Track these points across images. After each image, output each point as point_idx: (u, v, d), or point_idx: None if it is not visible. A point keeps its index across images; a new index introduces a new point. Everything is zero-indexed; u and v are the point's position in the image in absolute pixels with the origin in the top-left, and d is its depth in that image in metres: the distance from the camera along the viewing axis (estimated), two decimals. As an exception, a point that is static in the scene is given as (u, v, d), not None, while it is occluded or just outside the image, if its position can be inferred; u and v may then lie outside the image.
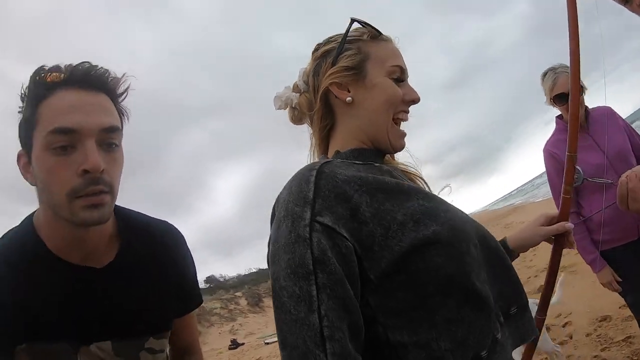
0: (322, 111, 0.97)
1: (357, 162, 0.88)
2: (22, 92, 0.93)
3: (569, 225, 1.12)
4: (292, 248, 0.71)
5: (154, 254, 1.08)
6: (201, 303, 1.26)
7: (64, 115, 0.86)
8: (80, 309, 0.94)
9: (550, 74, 2.27)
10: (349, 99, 0.92)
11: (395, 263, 0.73)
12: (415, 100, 0.95)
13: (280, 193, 0.80)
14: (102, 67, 0.93)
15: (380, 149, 0.94)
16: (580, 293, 4.37)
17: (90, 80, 0.91)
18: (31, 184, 0.94)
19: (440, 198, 0.89)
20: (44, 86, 0.89)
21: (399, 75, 0.94)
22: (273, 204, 0.81)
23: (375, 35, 0.96)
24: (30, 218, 0.99)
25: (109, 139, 0.92)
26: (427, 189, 1.00)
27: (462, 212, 0.88)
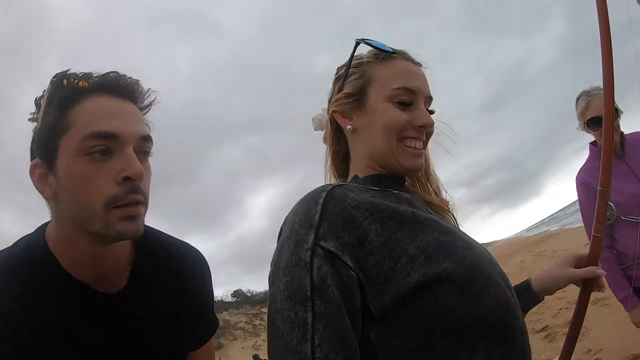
0: (333, 136, 0.97)
1: (373, 188, 0.86)
2: (40, 98, 0.87)
3: (599, 271, 1.04)
4: (292, 271, 0.69)
5: (171, 278, 1.00)
6: (217, 328, 1.17)
7: (103, 120, 0.82)
8: (93, 330, 0.87)
9: (584, 98, 2.16)
10: (349, 127, 0.91)
11: (401, 298, 0.69)
12: (426, 126, 0.89)
13: (289, 212, 0.78)
14: (131, 77, 0.90)
15: (397, 173, 0.91)
16: (613, 329, 4.18)
17: (122, 88, 0.88)
18: (46, 198, 0.87)
19: (463, 233, 0.85)
20: (74, 91, 0.84)
21: (405, 98, 0.88)
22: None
23: (382, 55, 0.92)
24: (41, 232, 0.92)
25: (144, 147, 0.88)
26: (452, 221, 0.96)
27: (484, 250, 0.82)
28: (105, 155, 0.81)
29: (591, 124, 2.12)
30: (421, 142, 0.90)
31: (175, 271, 1.01)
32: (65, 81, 0.85)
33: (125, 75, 0.89)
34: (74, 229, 0.85)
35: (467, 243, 0.78)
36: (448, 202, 0.99)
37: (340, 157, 0.99)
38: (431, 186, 1.01)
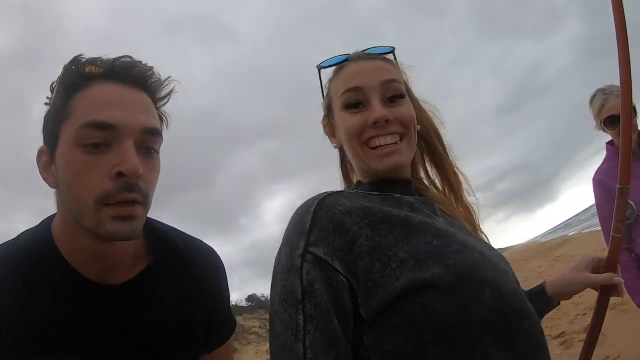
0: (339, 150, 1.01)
1: (373, 193, 0.86)
2: (54, 82, 0.83)
3: (617, 279, 1.01)
4: (287, 275, 0.72)
5: (183, 277, 0.95)
6: (234, 329, 1.12)
7: (102, 109, 0.76)
8: (93, 327, 0.82)
9: (599, 96, 2.11)
10: (334, 145, 0.98)
11: (389, 302, 0.69)
12: (377, 119, 0.84)
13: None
14: (146, 64, 0.83)
15: (387, 177, 0.89)
16: (631, 335, 4.11)
17: (132, 75, 0.82)
18: (51, 187, 0.82)
19: (465, 234, 0.83)
20: (81, 76, 0.79)
21: (354, 100, 0.87)
22: None
23: (338, 67, 0.94)
24: (47, 224, 0.87)
25: (149, 142, 0.81)
26: (467, 227, 0.94)
27: (489, 253, 0.79)
28: (99, 148, 0.75)
29: (608, 122, 2.08)
30: (391, 136, 0.86)
31: (184, 268, 0.96)
32: (73, 66, 0.81)
33: (140, 62, 0.83)
34: (73, 222, 0.80)
35: (463, 246, 0.76)
36: (467, 206, 0.99)
37: (347, 164, 1.03)
38: (451, 189, 1.00)
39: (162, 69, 0.86)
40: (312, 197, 0.80)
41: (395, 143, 0.86)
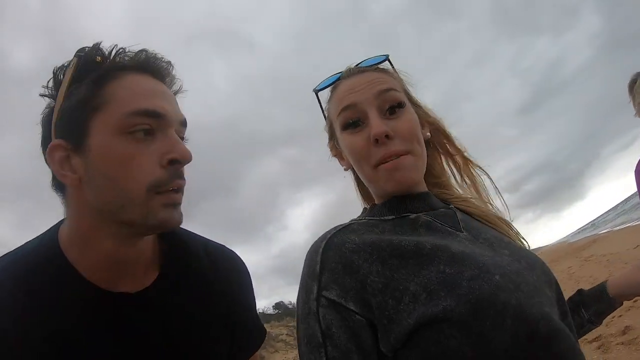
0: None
1: (387, 217, 0.84)
2: (58, 70, 0.79)
3: None
4: (306, 319, 0.73)
5: (203, 284, 0.91)
6: (264, 338, 1.07)
7: (147, 98, 0.75)
8: (106, 338, 0.78)
9: None
10: (344, 168, 0.95)
11: (406, 338, 0.67)
12: (377, 136, 0.79)
13: None
14: (164, 57, 0.82)
15: (401, 195, 0.85)
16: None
17: (159, 69, 0.81)
18: (70, 184, 0.77)
19: (487, 250, 0.77)
20: (112, 67, 0.77)
21: (351, 119, 0.83)
22: None
23: (333, 88, 0.91)
24: (54, 232, 0.83)
25: (182, 133, 0.81)
26: (499, 229, 0.89)
27: (513, 270, 0.72)
28: (148, 135, 0.74)
29: None
30: (395, 150, 0.80)
31: (204, 274, 0.91)
32: (98, 58, 0.78)
33: (160, 55, 0.82)
34: (97, 222, 0.76)
35: (480, 269, 0.69)
36: (491, 212, 0.93)
37: (362, 184, 0.98)
38: (475, 188, 0.97)
39: (184, 80, 0.86)
40: (319, 238, 0.79)
41: (397, 157, 0.81)
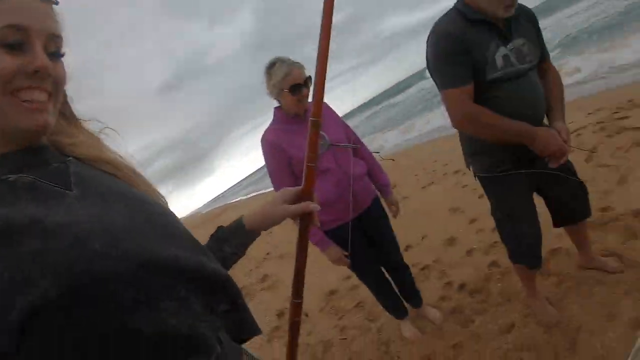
0: None
1: None
2: None
3: (313, 205, 1.04)
4: None
5: None
6: None
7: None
8: None
9: (281, 65, 2.16)
10: None
11: (13, 343, 0.55)
12: (41, 68, 0.70)
13: None
14: None
15: (31, 144, 0.72)
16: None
17: None
18: None
19: (90, 211, 0.68)
20: None
21: (13, 39, 0.67)
22: None
23: None
24: None
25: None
26: (117, 180, 0.81)
27: (128, 226, 0.69)
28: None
29: (293, 89, 2.15)
30: (43, 94, 0.72)
31: None
32: None
33: None
34: None
35: (84, 234, 0.63)
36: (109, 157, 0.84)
37: None
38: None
39: None
40: None
41: (44, 101, 0.71)
